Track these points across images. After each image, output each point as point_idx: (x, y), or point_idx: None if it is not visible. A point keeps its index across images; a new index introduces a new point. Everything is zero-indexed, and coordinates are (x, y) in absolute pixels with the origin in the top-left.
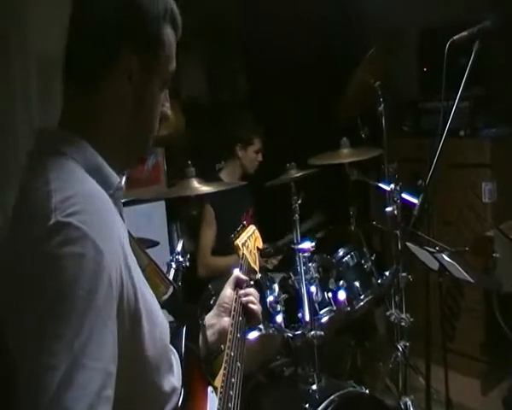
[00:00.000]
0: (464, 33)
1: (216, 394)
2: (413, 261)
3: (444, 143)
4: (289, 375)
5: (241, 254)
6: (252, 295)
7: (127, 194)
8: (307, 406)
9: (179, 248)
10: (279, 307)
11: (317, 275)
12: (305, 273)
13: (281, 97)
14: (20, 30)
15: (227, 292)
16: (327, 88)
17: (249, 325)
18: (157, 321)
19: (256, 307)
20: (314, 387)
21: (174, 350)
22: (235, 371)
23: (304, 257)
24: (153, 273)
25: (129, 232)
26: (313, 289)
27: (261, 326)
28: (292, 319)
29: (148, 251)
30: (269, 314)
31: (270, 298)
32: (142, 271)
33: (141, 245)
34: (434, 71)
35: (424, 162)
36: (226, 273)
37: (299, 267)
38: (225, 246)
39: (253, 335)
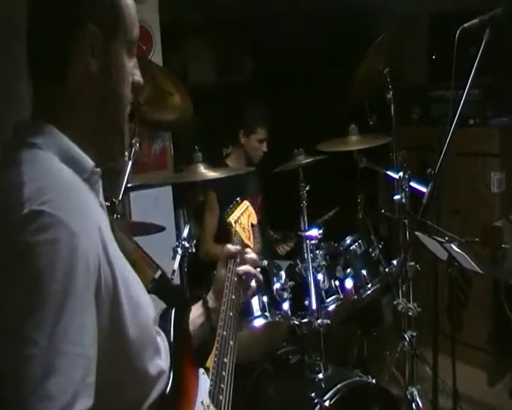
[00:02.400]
0: (475, 21)
1: (208, 375)
2: (421, 251)
3: (453, 131)
4: (295, 363)
5: (233, 230)
6: (247, 263)
7: (134, 178)
8: (313, 394)
9: (185, 233)
10: (286, 295)
11: (324, 263)
12: (312, 261)
13: (289, 83)
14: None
15: (221, 273)
16: (336, 73)
17: (250, 291)
18: (140, 305)
19: (253, 271)
20: (320, 376)
21: (162, 333)
22: (228, 351)
23: (311, 244)
24: (139, 258)
25: (113, 219)
26: (320, 276)
27: (267, 313)
28: (298, 306)
29: (155, 236)
30: (275, 301)
31: (277, 285)
32: (128, 256)
33: (125, 230)
34: (444, 58)
35: (432, 150)
36: None
37: (306, 255)
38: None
39: (259, 322)
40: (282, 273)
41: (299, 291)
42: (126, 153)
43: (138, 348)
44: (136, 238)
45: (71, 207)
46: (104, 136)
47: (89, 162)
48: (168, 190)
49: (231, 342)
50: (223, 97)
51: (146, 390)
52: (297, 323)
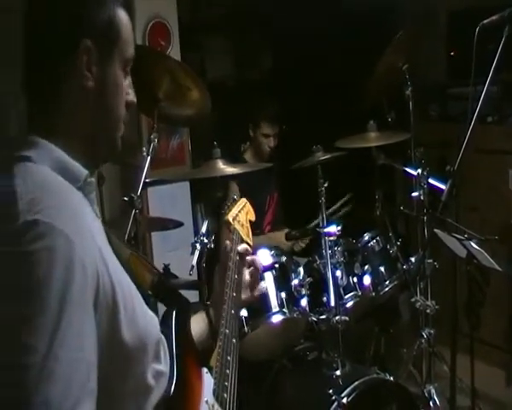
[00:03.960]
0: (494, 17)
1: (211, 374)
2: (439, 248)
3: (472, 128)
4: (313, 359)
5: (232, 228)
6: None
7: (152, 174)
8: (331, 391)
9: (204, 229)
10: (304, 291)
11: (342, 259)
12: (331, 257)
13: (308, 79)
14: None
15: (220, 276)
16: (355, 70)
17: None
18: (138, 311)
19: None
20: (338, 372)
21: (162, 337)
22: (231, 349)
23: (329, 241)
24: (136, 264)
25: (108, 228)
26: (338, 273)
27: (285, 310)
28: (316, 303)
29: (173, 232)
30: (293, 298)
31: (295, 281)
32: (125, 263)
33: (120, 238)
34: (462, 55)
35: (451, 147)
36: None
37: (324, 251)
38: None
39: (277, 318)
40: (301, 270)
41: (317, 288)
42: (145, 148)
43: (137, 354)
44: (153, 233)
45: (64, 215)
46: (97, 144)
47: (82, 171)
48: (186, 185)
49: (234, 341)
50: (241, 93)
51: (145, 396)
52: (315, 319)
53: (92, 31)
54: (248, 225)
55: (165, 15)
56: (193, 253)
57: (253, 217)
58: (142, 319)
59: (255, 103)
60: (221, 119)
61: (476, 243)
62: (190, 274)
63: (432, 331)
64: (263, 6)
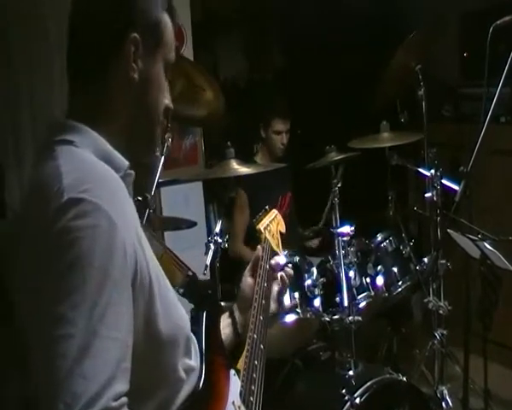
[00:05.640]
0: (507, 18)
1: (238, 377)
2: (452, 248)
3: (485, 129)
4: (326, 360)
5: (263, 237)
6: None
7: (165, 174)
8: (344, 391)
9: (217, 228)
10: (317, 291)
11: (355, 260)
12: (344, 258)
13: (320, 80)
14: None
15: (247, 282)
16: (367, 70)
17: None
18: (172, 304)
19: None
20: (351, 372)
21: (192, 335)
22: (258, 354)
23: (343, 241)
24: (168, 261)
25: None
26: (351, 273)
27: (299, 310)
28: (330, 303)
29: (186, 232)
30: (307, 298)
31: (309, 282)
32: (158, 259)
33: (153, 234)
34: (475, 56)
35: (464, 148)
36: None
37: (337, 251)
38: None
39: (290, 318)
40: (314, 270)
41: (330, 288)
42: (158, 148)
43: (169, 345)
44: (167, 233)
45: (109, 197)
46: (135, 139)
47: (124, 162)
48: (199, 185)
49: (261, 346)
50: (254, 94)
51: (175, 388)
52: (328, 319)
53: (140, 25)
54: (279, 236)
55: (178, 16)
56: (206, 253)
57: (283, 229)
58: (175, 313)
59: (265, 103)
60: (234, 119)
61: (490, 244)
62: (204, 274)
63: (444, 332)
64: (274, 6)
